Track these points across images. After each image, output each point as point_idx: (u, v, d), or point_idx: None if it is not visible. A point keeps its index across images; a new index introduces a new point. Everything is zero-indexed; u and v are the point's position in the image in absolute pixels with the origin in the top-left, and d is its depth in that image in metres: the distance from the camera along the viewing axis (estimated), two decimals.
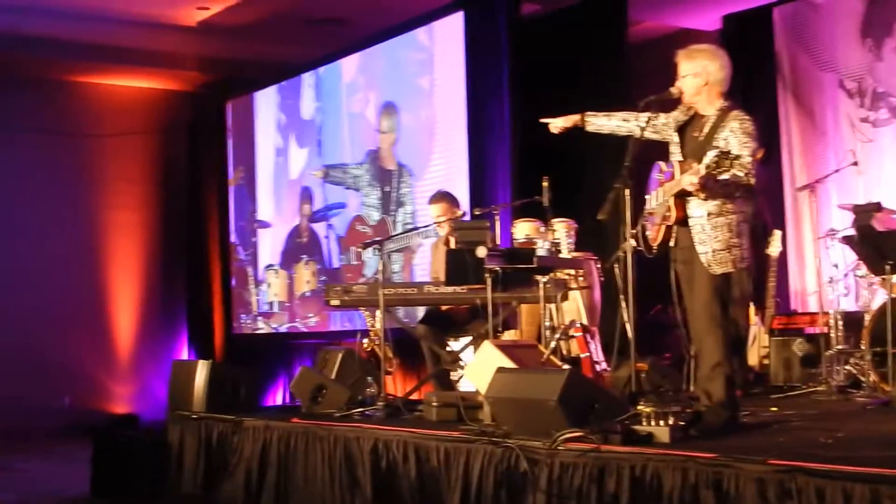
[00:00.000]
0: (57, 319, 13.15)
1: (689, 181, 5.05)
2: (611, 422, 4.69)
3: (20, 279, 12.94)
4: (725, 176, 4.91)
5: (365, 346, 7.99)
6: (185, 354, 13.83)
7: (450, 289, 7.11)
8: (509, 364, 5.77)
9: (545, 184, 7.20)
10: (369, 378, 7.39)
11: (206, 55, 13.02)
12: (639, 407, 4.94)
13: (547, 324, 6.76)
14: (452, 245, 7.21)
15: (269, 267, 12.94)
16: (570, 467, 4.56)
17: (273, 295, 12.85)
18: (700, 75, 5.30)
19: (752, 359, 8.21)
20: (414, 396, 7.53)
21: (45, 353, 12.95)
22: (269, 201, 13.05)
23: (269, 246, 12.98)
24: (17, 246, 13.01)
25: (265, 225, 13.09)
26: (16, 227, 13.03)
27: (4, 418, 12.49)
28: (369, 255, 10.84)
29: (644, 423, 4.71)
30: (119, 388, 13.57)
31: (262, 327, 12.99)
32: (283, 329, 12.58)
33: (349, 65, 11.71)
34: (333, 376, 7.35)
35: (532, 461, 4.72)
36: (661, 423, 4.67)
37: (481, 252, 6.47)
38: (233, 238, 13.66)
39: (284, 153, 12.71)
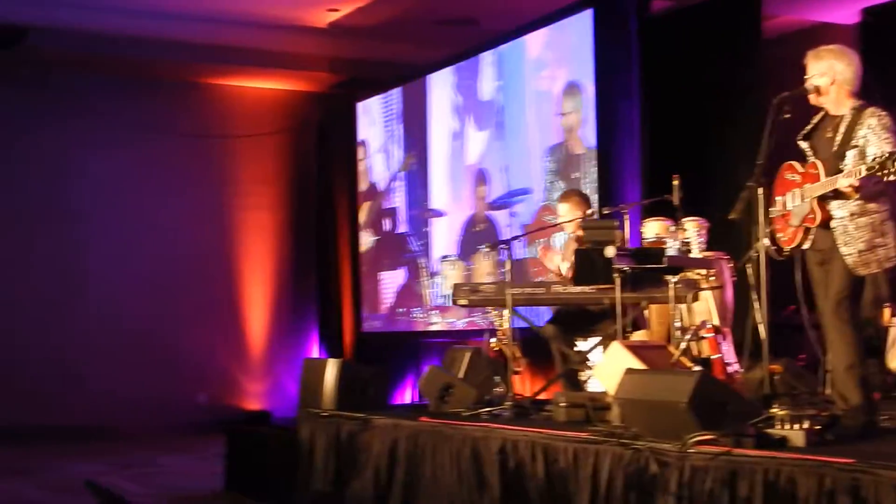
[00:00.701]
0: (192, 318, 13.50)
1: (846, 183, 4.91)
2: (743, 425, 4.59)
3: (157, 279, 13.33)
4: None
5: (493, 345, 7.98)
6: (315, 352, 14.03)
7: (577, 288, 7.06)
8: (639, 365, 5.70)
9: (675, 182, 7.08)
10: (497, 377, 7.39)
11: (336, 56, 13.21)
12: (772, 410, 4.82)
13: (677, 324, 6.65)
14: (580, 245, 7.14)
15: (444, 258, 12.18)
16: (700, 471, 4.47)
17: (447, 288, 11.58)
18: (827, 74, 5.18)
19: (892, 361, 7.93)
20: (542, 396, 7.50)
21: (180, 352, 13.31)
22: (443, 188, 12.27)
23: (445, 235, 12.19)
24: (153, 246, 13.39)
25: (439, 213, 12.31)
26: (153, 227, 13.42)
27: (142, 415, 12.92)
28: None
29: (778, 427, 4.60)
30: (252, 386, 13.85)
31: (436, 322, 12.28)
32: (461, 325, 11.69)
33: (535, 41, 10.90)
34: (461, 375, 7.36)
35: (662, 464, 4.64)
36: (796, 426, 4.55)
37: (610, 252, 6.40)
38: (403, 228, 12.97)
39: (461, 137, 11.97)
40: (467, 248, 11.75)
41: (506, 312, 7.52)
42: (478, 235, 11.52)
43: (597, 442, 5.11)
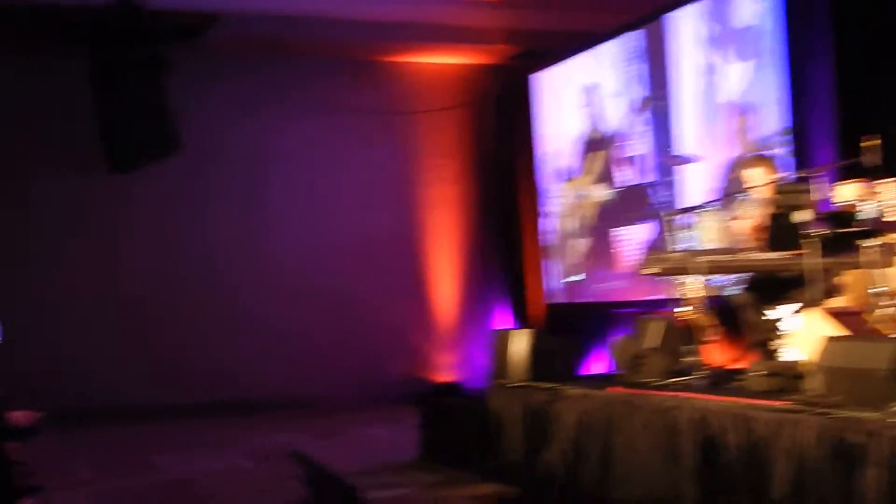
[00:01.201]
0: (379, 292, 13.78)
1: None
2: None
3: (347, 255, 13.66)
4: None
5: (685, 314, 7.86)
6: (504, 324, 14.12)
7: (770, 255, 6.89)
8: (836, 332, 5.54)
9: (870, 143, 6.81)
10: (690, 346, 7.30)
11: (513, 28, 13.20)
12: None
13: (874, 290, 6.42)
14: (772, 210, 6.97)
15: (697, 208, 10.72)
16: None
17: (707, 240, 9.70)
18: None
19: None
20: (735, 366, 7.37)
21: (373, 325, 13.63)
22: (695, 131, 10.99)
23: (697, 184, 10.86)
24: (342, 223, 13.73)
25: (688, 160, 11.10)
26: (342, 205, 13.76)
27: (340, 388, 13.30)
28: None
29: None
30: (442, 357, 14.06)
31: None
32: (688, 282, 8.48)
33: None
34: (653, 345, 7.30)
35: (866, 433, 4.51)
36: None
37: (803, 216, 6.22)
38: (648, 178, 11.64)
39: (716, 72, 10.68)
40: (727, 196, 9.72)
41: (696, 280, 7.39)
42: (737, 182, 9.91)
43: (796, 411, 5.01)
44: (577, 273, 13.12)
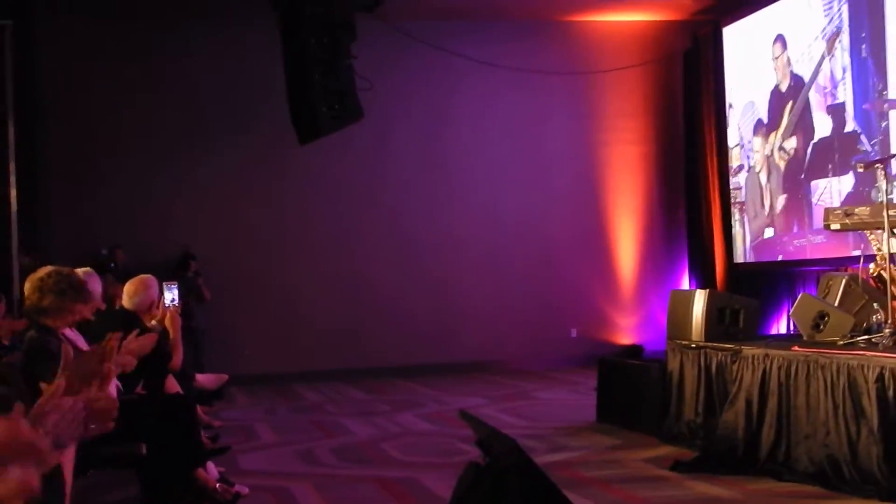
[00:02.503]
0: (561, 255, 13.73)
1: None
2: None
3: (528, 218, 13.66)
4: None
5: (871, 271, 7.51)
6: (686, 285, 13.87)
7: None
8: None
9: None
10: (875, 304, 6.97)
11: None
12: None
13: None
14: None
15: (857, 159, 10.23)
16: None
17: None
18: None
19: None
20: None
21: (551, 288, 13.60)
22: None
23: None
24: (525, 184, 13.71)
25: None
26: (525, 165, 13.74)
27: (518, 350, 13.35)
28: None
29: None
30: (623, 320, 13.92)
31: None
32: (873, 237, 7.62)
33: None
34: (836, 303, 7.01)
35: None
36: None
37: None
38: (851, 127, 10.94)
39: None
40: None
41: (885, 235, 7.04)
42: None
43: None
44: (765, 230, 12.68)
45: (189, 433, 5.46)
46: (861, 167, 7.82)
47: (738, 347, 6.89)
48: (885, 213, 6.55)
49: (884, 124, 10.45)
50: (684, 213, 14.24)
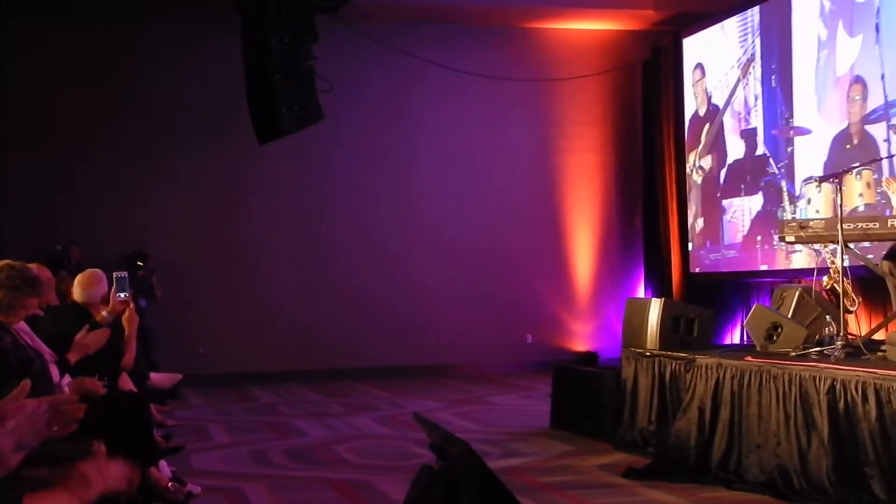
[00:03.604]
0: (518, 260, 13.77)
1: None
2: None
3: (486, 222, 13.69)
4: None
5: (824, 284, 7.61)
6: (642, 293, 13.96)
7: None
8: None
9: None
10: (828, 317, 7.06)
11: None
12: None
13: None
14: None
15: (807, 180, 10.79)
16: None
17: (814, 212, 10.46)
18: None
19: None
20: (877, 336, 7.10)
21: (507, 294, 13.64)
22: (809, 103, 10.91)
23: (809, 156, 10.84)
24: (482, 190, 13.75)
25: (803, 131, 11.00)
26: (482, 171, 13.77)
27: (472, 355, 13.38)
28: None
29: None
30: (578, 326, 13.98)
31: (800, 250, 10.51)
32: (827, 251, 7.98)
33: None
34: (790, 315, 7.10)
35: None
36: None
37: None
38: (761, 151, 11.72)
39: (830, 45, 10.57)
40: (835, 168, 9.59)
41: (839, 249, 7.13)
42: (848, 153, 10.12)
43: None
44: (700, 243, 13.00)
45: (142, 431, 5.42)
46: (817, 183, 7.93)
47: (692, 356, 6.96)
48: (839, 227, 6.63)
49: (789, 149, 11.25)
50: (641, 221, 14.34)
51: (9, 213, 12.41)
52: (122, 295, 6.30)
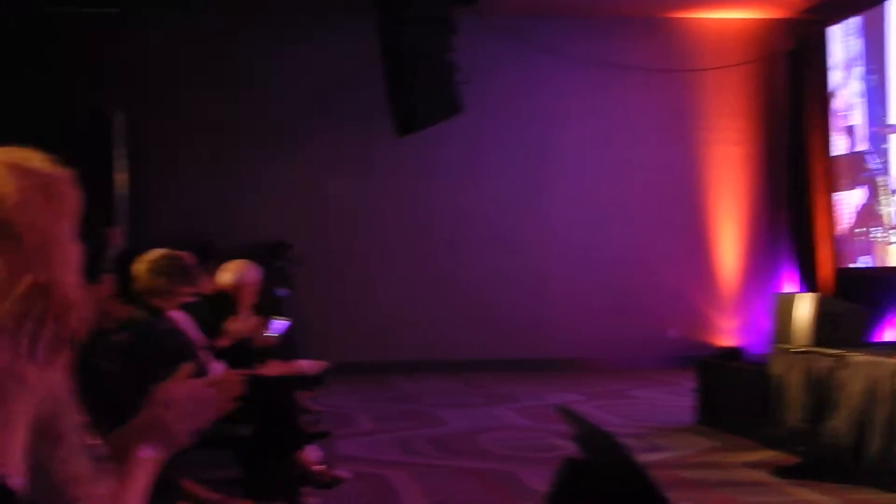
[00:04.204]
0: (658, 254, 13.55)
1: None
2: None
3: (625, 215, 13.52)
4: None
5: None
6: (789, 288, 13.59)
7: None
8: None
9: None
10: None
11: None
12: None
13: None
14: None
15: None
16: None
17: None
18: None
19: None
20: None
21: (647, 287, 13.44)
22: None
23: None
24: (621, 182, 13.57)
25: None
26: (620, 165, 13.60)
27: (615, 349, 13.24)
28: None
29: None
30: (723, 321, 13.70)
31: None
32: None
33: None
34: None
35: None
36: None
37: None
38: (862, 146, 12.15)
39: None
40: None
41: None
42: None
43: None
44: (844, 226, 12.69)
45: (291, 416, 5.53)
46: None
47: (844, 353, 6.74)
48: None
49: (885, 146, 11.52)
50: (790, 214, 13.94)
51: (160, 203, 12.80)
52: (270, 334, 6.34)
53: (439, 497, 5.91)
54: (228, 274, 6.66)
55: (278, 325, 6.53)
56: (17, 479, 1.23)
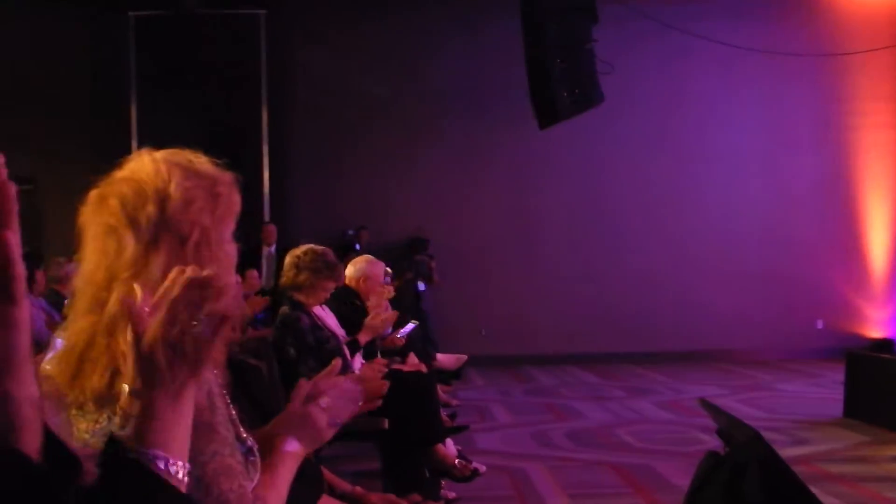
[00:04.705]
0: (804, 243, 13.22)
1: None
2: None
3: (764, 203, 13.23)
4: None
5: None
6: None
7: None
8: None
9: None
10: None
11: None
12: None
13: None
14: None
15: None
16: None
17: None
18: None
19: None
20: None
21: (793, 277, 13.13)
22: None
23: None
24: (765, 171, 13.28)
25: None
26: (765, 151, 13.32)
27: (758, 340, 12.97)
28: None
29: None
30: (874, 312, 13.28)
31: None
32: None
33: None
34: None
35: None
36: None
37: None
38: None
39: None
40: None
41: None
42: None
43: None
44: None
45: (429, 410, 5.58)
46: None
47: None
48: None
49: None
50: None
51: (303, 198, 13.07)
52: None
53: (576, 490, 5.90)
54: (352, 268, 6.76)
55: (406, 327, 6.62)
56: (183, 472, 1.28)
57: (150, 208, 1.60)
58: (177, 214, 1.60)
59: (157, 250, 1.55)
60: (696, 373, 11.63)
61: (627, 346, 12.94)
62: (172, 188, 1.61)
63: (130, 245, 1.58)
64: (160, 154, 1.67)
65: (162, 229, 1.59)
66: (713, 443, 3.33)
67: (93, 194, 1.64)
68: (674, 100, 13.33)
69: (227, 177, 1.69)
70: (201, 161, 1.68)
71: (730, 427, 3.40)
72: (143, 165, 1.65)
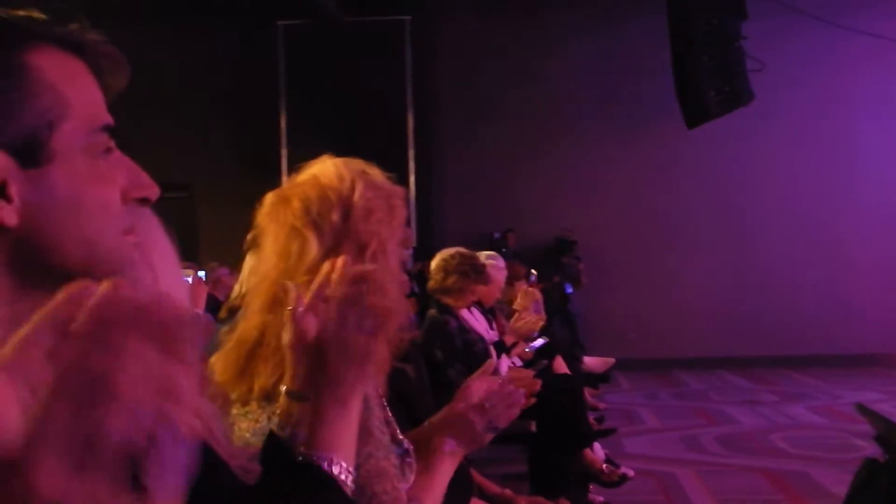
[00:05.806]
0: None
1: None
2: None
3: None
4: None
5: None
6: None
7: None
8: None
9: None
10: None
11: None
12: None
13: None
14: None
15: None
16: None
17: None
18: None
19: None
20: None
21: None
22: None
23: None
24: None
25: None
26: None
27: None
28: None
29: None
30: None
31: None
32: None
33: None
34: None
35: None
36: None
37: None
38: None
39: None
40: None
41: None
42: None
43: None
44: None
45: (577, 414, 5.57)
46: None
47: None
48: None
49: None
50: None
51: (450, 201, 13.17)
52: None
53: (728, 496, 5.80)
54: None
55: (535, 342, 6.62)
56: (349, 475, 1.31)
57: (335, 215, 1.64)
58: (359, 223, 1.64)
59: (336, 257, 1.60)
60: (851, 377, 11.27)
61: (776, 349, 12.60)
62: (356, 197, 1.66)
63: (314, 248, 1.63)
64: (342, 161, 1.72)
65: (343, 236, 1.64)
66: (871, 450, 3.24)
67: (272, 195, 1.69)
68: (827, 96, 12.95)
69: (400, 190, 1.74)
70: (375, 172, 1.73)
71: (890, 433, 3.29)
72: (327, 170, 1.70)
